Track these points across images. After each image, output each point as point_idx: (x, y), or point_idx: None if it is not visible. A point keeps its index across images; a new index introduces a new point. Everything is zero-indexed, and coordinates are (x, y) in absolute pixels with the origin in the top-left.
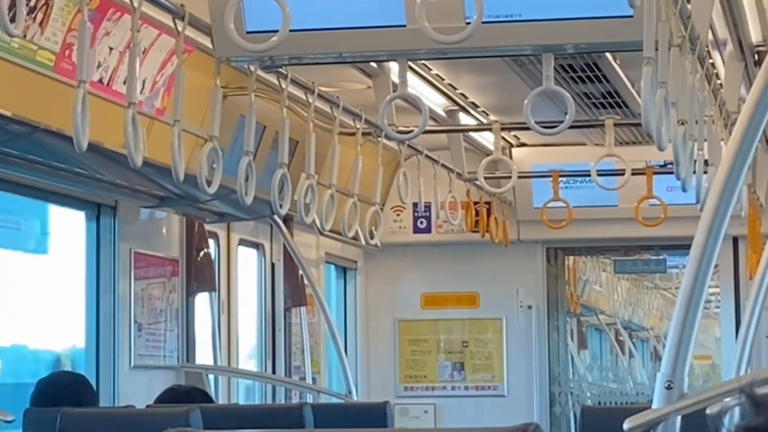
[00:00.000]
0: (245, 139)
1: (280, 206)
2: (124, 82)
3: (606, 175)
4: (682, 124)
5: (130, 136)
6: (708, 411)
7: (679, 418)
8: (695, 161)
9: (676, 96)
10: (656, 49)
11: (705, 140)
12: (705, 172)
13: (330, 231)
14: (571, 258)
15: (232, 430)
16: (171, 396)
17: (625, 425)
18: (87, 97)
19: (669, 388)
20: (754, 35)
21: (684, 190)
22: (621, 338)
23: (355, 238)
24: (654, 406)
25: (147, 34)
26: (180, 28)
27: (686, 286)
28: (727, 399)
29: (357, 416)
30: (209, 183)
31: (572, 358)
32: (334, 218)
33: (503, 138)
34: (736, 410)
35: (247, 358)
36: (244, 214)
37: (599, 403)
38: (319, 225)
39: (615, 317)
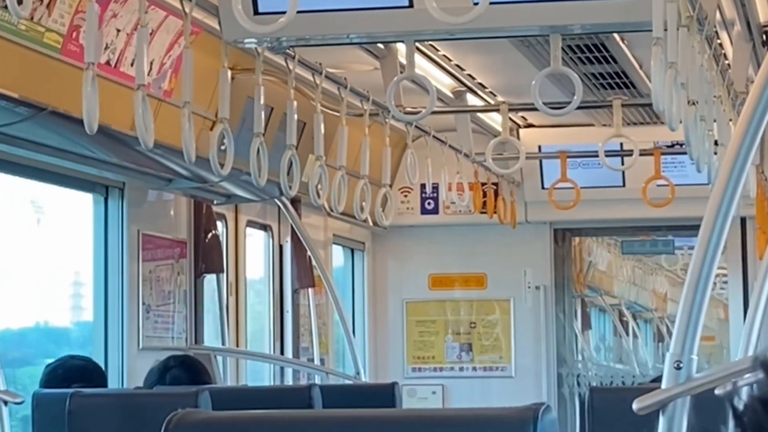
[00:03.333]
0: (255, 121)
1: (290, 188)
2: (132, 64)
3: (614, 155)
4: (693, 104)
5: (141, 118)
6: (717, 391)
7: (689, 398)
8: (706, 142)
9: (685, 76)
10: (665, 30)
11: (714, 120)
12: (715, 153)
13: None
14: (577, 238)
15: (241, 410)
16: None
17: (635, 406)
18: (96, 80)
19: (678, 368)
20: (762, 15)
21: (699, 170)
22: (625, 319)
23: (363, 219)
24: (663, 386)
25: (154, 16)
26: (187, 10)
27: (695, 266)
28: (735, 379)
29: (366, 397)
30: (222, 165)
31: (577, 338)
32: (346, 200)
33: (511, 119)
34: (745, 389)
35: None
36: (252, 195)
37: (604, 384)
38: (328, 208)
39: (619, 298)
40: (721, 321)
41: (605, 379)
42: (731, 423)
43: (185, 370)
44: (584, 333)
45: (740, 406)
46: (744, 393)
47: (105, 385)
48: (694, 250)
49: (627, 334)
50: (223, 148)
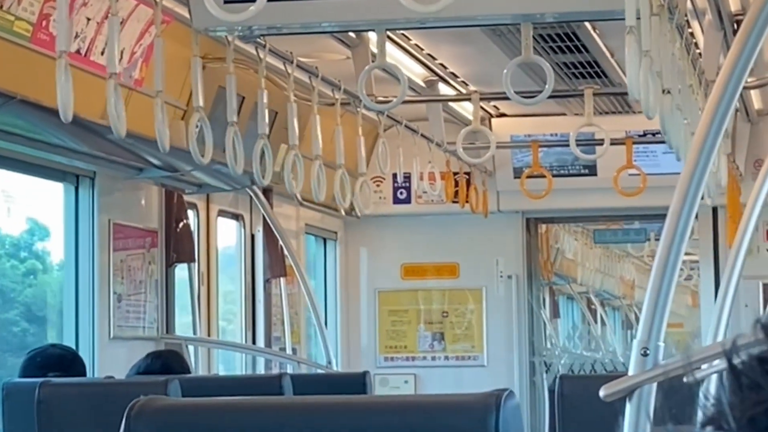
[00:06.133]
0: (228, 109)
1: (263, 177)
2: (102, 53)
3: (585, 144)
4: (668, 93)
5: (113, 107)
6: (685, 380)
7: (654, 384)
8: (682, 131)
9: (659, 65)
10: (637, 18)
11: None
12: None
13: (309, 201)
14: (544, 226)
15: (207, 398)
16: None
17: (601, 393)
18: (69, 68)
19: (645, 354)
20: (733, 4)
21: (678, 159)
22: (593, 307)
23: (335, 208)
24: (630, 373)
25: (124, 5)
26: None
27: (662, 252)
28: (705, 366)
29: (337, 386)
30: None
31: (544, 326)
32: (323, 190)
33: (482, 108)
34: (713, 378)
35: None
36: (223, 184)
37: (572, 371)
38: (300, 197)
39: (587, 286)
40: (689, 308)
41: (575, 367)
42: (729, 380)
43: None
44: (552, 321)
45: (738, 365)
46: (743, 352)
47: (83, 374)
48: (661, 237)
49: (595, 321)
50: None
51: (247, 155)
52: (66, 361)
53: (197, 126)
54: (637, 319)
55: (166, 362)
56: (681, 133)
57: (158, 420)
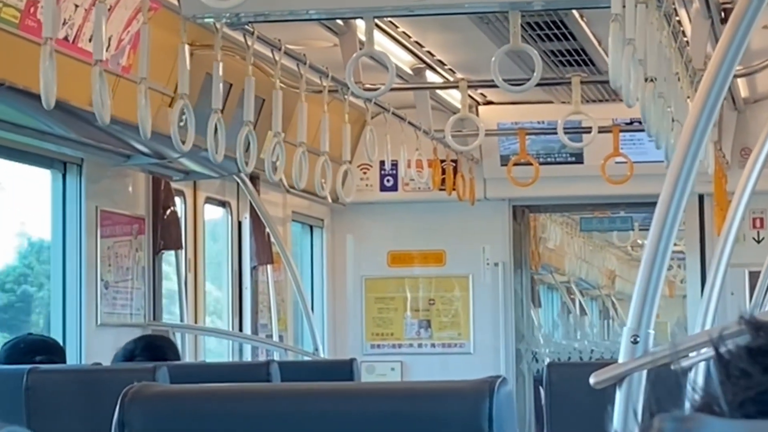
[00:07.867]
0: (213, 96)
1: (246, 164)
2: (90, 40)
3: (572, 132)
4: (651, 81)
5: (98, 94)
6: (673, 367)
7: (645, 372)
8: (665, 119)
9: (643, 53)
10: (623, 6)
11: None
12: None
13: (296, 189)
14: (531, 216)
15: (197, 384)
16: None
17: (591, 380)
18: (54, 54)
19: (635, 342)
20: None
21: (658, 147)
22: (573, 296)
23: (322, 196)
24: (620, 360)
25: None
26: None
27: (652, 240)
28: (693, 354)
29: (324, 373)
30: (182, 141)
31: (527, 315)
32: (305, 177)
33: (470, 96)
34: (700, 369)
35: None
36: (210, 172)
37: (559, 359)
38: (286, 184)
39: (569, 276)
40: (665, 298)
41: (561, 356)
42: (718, 369)
43: (150, 356)
44: (534, 310)
45: (726, 355)
46: (729, 343)
47: (65, 361)
48: (651, 225)
49: (576, 311)
50: (182, 124)
51: (235, 142)
52: (49, 345)
53: (183, 113)
54: (615, 309)
55: (153, 341)
56: (662, 121)
57: (152, 406)
